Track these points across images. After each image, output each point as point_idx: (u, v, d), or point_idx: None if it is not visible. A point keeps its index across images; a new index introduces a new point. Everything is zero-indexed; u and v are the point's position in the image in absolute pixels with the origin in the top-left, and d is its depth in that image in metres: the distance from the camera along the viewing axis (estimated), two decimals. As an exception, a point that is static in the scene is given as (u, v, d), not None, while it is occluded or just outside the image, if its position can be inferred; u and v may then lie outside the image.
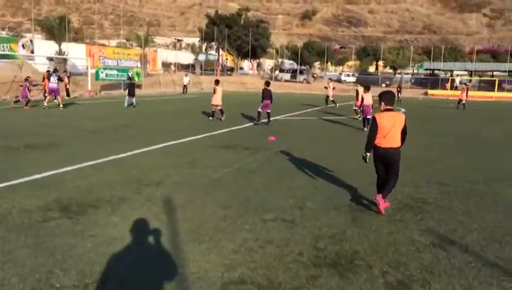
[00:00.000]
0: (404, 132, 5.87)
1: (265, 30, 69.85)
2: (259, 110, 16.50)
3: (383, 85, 59.86)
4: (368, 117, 15.57)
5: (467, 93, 31.09)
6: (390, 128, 5.74)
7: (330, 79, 34.10)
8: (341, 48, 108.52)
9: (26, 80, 21.65)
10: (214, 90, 17.25)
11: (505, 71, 60.54)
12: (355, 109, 20.12)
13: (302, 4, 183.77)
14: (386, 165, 5.92)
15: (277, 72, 68.41)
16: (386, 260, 4.39)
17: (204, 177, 7.67)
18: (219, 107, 17.19)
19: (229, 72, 69.13)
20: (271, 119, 16.68)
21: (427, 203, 6.41)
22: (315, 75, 70.54)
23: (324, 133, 14.71)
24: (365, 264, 4.29)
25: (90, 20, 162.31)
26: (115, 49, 50.84)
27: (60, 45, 42.56)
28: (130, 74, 29.70)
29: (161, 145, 10.96)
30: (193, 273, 4.03)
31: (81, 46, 46.06)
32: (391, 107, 5.92)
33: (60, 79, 21.97)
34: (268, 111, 16.52)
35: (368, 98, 16.08)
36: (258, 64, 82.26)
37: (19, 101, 21.33)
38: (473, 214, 5.94)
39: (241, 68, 78.89)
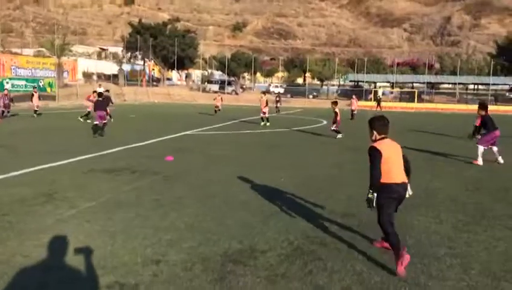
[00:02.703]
0: (406, 161, 4.72)
1: (193, 40, 68.27)
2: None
3: (310, 96, 60.25)
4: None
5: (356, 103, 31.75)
6: (396, 158, 4.58)
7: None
8: (271, 59, 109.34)
9: None
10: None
11: (424, 83, 63.26)
12: (261, 117, 21.88)
13: (233, 16, 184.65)
14: (397, 205, 4.68)
15: (205, 83, 66.80)
16: None
17: (47, 219, 5.83)
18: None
19: (154, 83, 66.59)
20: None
21: (323, 244, 5.12)
22: (244, 86, 69.88)
23: (236, 151, 13.24)
24: None
25: (10, 27, 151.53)
26: (29, 58, 46.80)
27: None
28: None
29: (26, 171, 8.98)
30: None
31: (-12, 55, 41.80)
32: (385, 136, 4.70)
33: None
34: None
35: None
36: (187, 75, 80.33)
37: None
38: (375, 257, 4.72)
39: (169, 79, 76.56)
